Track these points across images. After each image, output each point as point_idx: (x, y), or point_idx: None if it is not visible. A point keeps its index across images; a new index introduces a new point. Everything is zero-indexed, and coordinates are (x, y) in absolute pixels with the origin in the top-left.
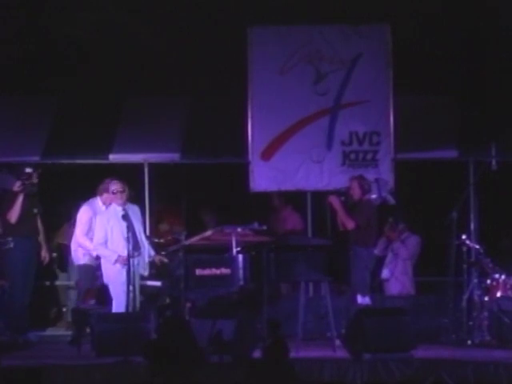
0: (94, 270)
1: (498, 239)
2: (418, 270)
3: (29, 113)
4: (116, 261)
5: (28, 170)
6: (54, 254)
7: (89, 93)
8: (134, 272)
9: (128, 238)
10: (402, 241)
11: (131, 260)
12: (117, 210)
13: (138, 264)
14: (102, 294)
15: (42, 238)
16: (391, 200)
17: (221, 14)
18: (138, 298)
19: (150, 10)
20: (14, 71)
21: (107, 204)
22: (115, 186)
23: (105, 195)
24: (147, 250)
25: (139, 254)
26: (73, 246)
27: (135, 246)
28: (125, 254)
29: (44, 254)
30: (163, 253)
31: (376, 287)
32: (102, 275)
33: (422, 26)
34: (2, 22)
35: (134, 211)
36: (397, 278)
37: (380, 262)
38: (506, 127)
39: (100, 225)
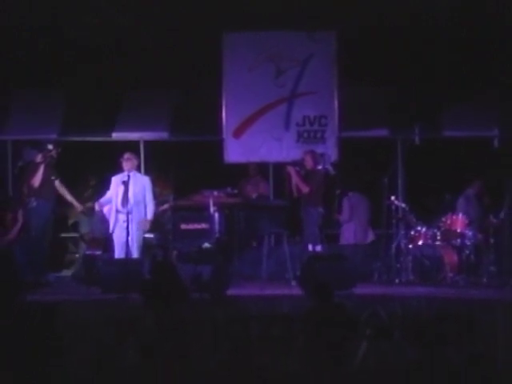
0: (107, 221)
1: (420, 199)
2: None
3: (47, 102)
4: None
5: (49, 145)
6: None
7: (95, 85)
8: (128, 225)
9: (123, 198)
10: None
11: (129, 216)
12: (124, 175)
13: (132, 220)
14: (108, 244)
15: (70, 197)
16: (332, 171)
17: (201, 22)
18: (136, 247)
19: (148, 18)
20: (35, 68)
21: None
22: (123, 155)
23: None
24: (151, 210)
25: (129, 212)
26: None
27: (123, 204)
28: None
29: (79, 206)
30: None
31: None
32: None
33: (364, 31)
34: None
35: (139, 180)
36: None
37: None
38: (427, 110)
39: (111, 184)
